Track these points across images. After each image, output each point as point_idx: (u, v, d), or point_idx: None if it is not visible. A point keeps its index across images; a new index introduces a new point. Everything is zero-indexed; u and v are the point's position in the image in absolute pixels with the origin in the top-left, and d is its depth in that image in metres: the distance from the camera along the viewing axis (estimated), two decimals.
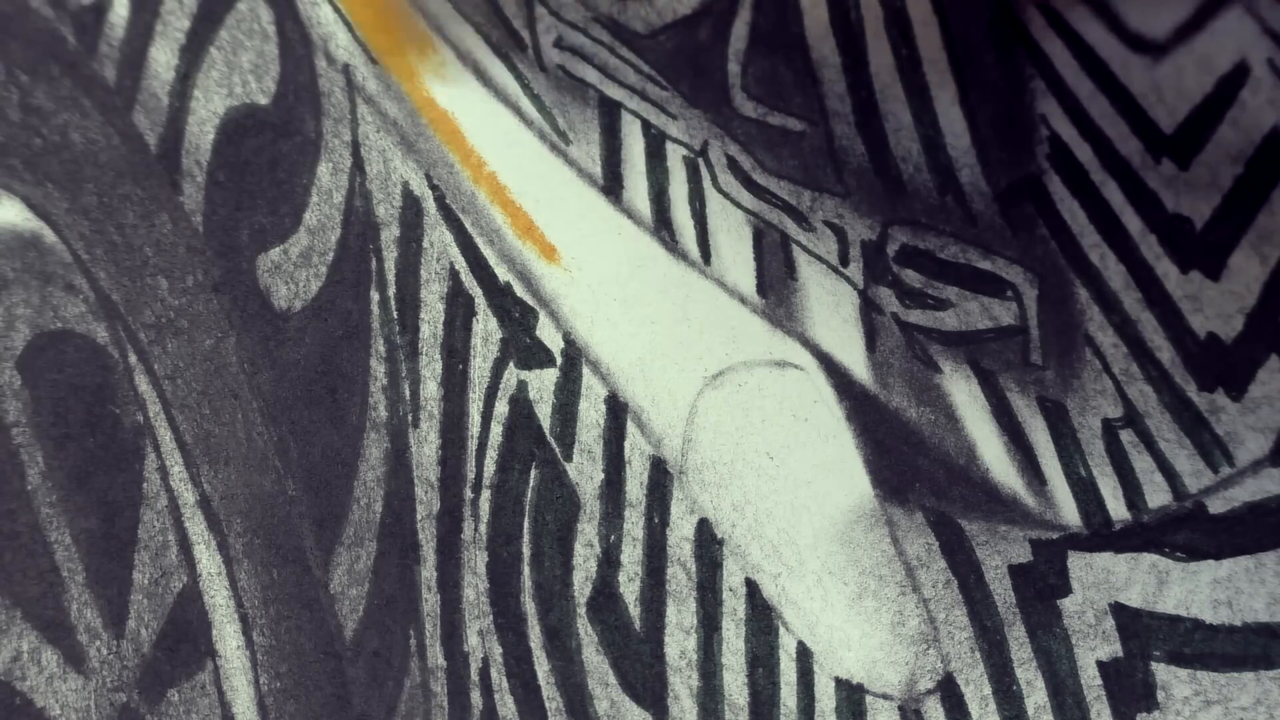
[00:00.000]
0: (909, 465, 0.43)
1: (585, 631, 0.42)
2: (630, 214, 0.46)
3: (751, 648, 0.42)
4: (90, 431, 0.44)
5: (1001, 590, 0.42)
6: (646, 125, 0.46)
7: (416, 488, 0.44)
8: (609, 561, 0.43)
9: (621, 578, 0.43)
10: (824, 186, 0.45)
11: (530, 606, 0.43)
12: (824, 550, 0.42)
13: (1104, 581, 0.41)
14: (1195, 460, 0.42)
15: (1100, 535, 0.42)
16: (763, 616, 0.42)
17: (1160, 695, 0.40)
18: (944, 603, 0.42)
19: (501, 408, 0.44)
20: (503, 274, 0.46)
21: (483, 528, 0.43)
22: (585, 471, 0.44)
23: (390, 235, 0.46)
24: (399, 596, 0.43)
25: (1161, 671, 0.41)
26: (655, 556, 0.43)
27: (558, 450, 0.44)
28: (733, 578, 0.43)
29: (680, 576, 0.43)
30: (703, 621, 0.42)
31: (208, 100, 0.48)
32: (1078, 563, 0.42)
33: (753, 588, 0.42)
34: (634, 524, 0.43)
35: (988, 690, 0.41)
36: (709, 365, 0.44)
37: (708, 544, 0.43)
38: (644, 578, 0.43)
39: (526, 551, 0.43)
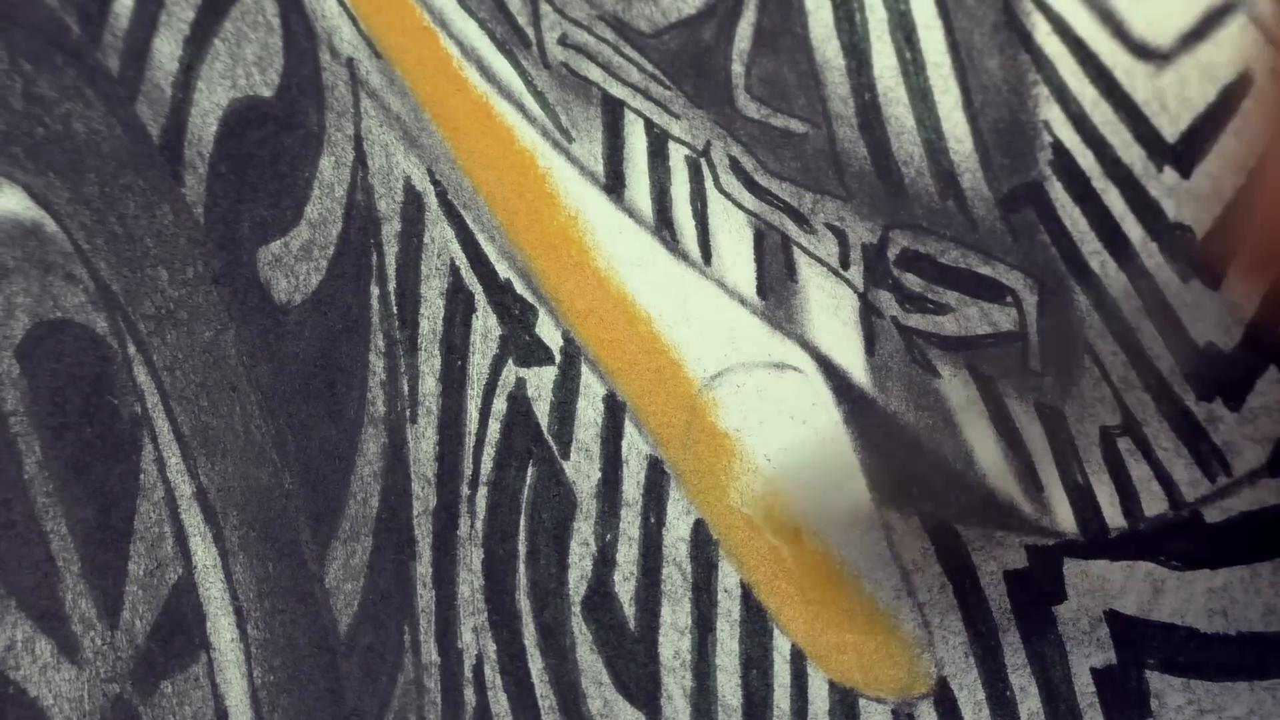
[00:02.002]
0: (906, 469, 0.43)
1: (579, 630, 0.42)
2: (631, 213, 0.46)
3: (746, 649, 0.42)
4: (88, 421, 0.44)
5: (996, 596, 0.42)
6: (649, 124, 0.46)
7: (413, 483, 0.44)
8: (604, 560, 0.43)
9: (617, 577, 0.43)
10: (826, 189, 0.45)
11: (525, 604, 0.43)
12: (819, 554, 0.42)
13: (1099, 589, 0.41)
14: (1192, 469, 0.42)
15: (1096, 543, 0.42)
16: (757, 618, 0.42)
17: (1154, 703, 0.41)
18: (939, 607, 0.42)
19: (499, 405, 0.44)
20: (503, 271, 0.46)
21: (479, 525, 0.43)
22: (582, 470, 0.44)
23: (391, 230, 0.46)
24: (394, 592, 0.43)
25: (1155, 680, 0.41)
26: (651, 556, 0.43)
27: (555, 448, 0.44)
28: (728, 579, 0.43)
29: (675, 577, 0.43)
30: (697, 622, 0.42)
31: (211, 92, 0.48)
32: (1073, 569, 0.42)
33: (747, 589, 0.42)
34: (630, 523, 0.43)
35: (981, 695, 0.41)
36: (708, 366, 0.44)
37: (703, 545, 0.43)
38: (639, 577, 0.43)
39: (522, 549, 0.43)
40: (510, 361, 0.45)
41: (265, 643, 0.43)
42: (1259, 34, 0.41)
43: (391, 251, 0.46)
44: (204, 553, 0.44)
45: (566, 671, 0.42)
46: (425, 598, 0.43)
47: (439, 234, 0.46)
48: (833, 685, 0.41)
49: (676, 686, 0.42)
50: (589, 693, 0.42)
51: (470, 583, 0.43)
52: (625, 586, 0.43)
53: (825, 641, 0.42)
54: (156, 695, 0.42)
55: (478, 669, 0.42)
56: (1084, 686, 0.41)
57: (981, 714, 0.41)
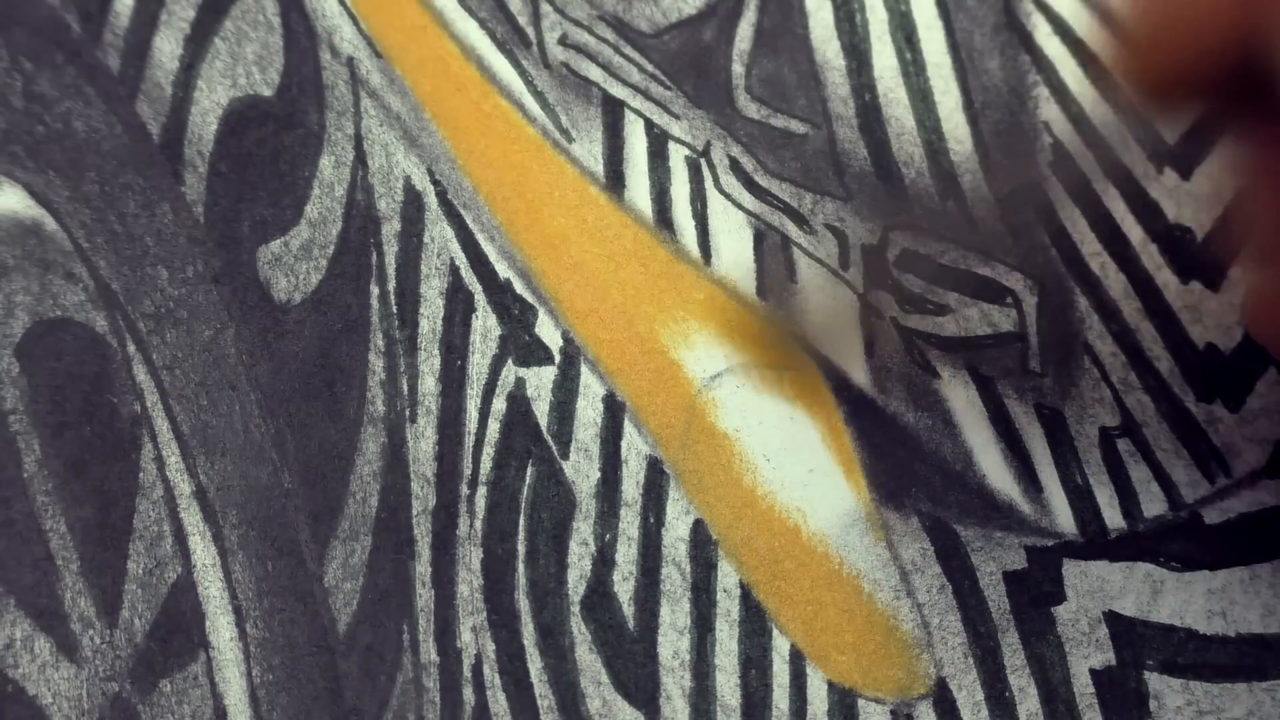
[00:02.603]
0: (905, 470, 0.43)
1: (579, 630, 0.42)
2: (631, 213, 0.46)
3: (745, 649, 0.42)
4: (87, 420, 0.44)
5: (996, 596, 0.42)
6: (649, 125, 0.46)
7: (413, 483, 0.44)
8: (603, 560, 0.43)
9: (616, 577, 0.43)
10: (826, 190, 0.45)
11: (524, 604, 0.43)
12: (819, 554, 0.42)
13: (1098, 590, 0.41)
14: (1192, 471, 0.42)
15: (1095, 544, 0.42)
16: (756, 618, 0.42)
17: (1153, 705, 0.41)
18: (938, 608, 0.42)
19: (499, 404, 0.44)
20: (503, 271, 0.46)
21: (478, 524, 0.43)
22: (582, 470, 0.44)
23: (391, 230, 0.46)
24: (393, 591, 0.43)
25: (1154, 681, 0.41)
26: (650, 556, 0.43)
27: (554, 448, 0.44)
28: (727, 579, 0.43)
29: (675, 577, 0.43)
30: (696, 622, 0.42)
31: (211, 91, 0.48)
32: (1072, 570, 0.42)
33: (747, 589, 0.42)
34: (629, 523, 0.43)
35: (980, 696, 0.41)
36: (708, 366, 0.44)
37: (703, 545, 0.43)
38: (638, 577, 0.43)
39: (521, 549, 0.43)
40: (510, 361, 0.45)
41: (264, 642, 0.43)
42: None
43: (391, 251, 0.46)
44: (203, 552, 0.43)
45: (565, 671, 0.42)
46: (424, 597, 0.43)
47: (439, 234, 0.46)
48: (832, 685, 0.41)
49: (675, 686, 0.42)
50: (588, 692, 0.42)
51: (469, 582, 0.43)
52: (624, 586, 0.43)
53: (824, 642, 0.42)
54: (155, 694, 0.42)
55: (477, 668, 0.42)
56: (1083, 687, 0.41)
57: (980, 715, 0.41)
